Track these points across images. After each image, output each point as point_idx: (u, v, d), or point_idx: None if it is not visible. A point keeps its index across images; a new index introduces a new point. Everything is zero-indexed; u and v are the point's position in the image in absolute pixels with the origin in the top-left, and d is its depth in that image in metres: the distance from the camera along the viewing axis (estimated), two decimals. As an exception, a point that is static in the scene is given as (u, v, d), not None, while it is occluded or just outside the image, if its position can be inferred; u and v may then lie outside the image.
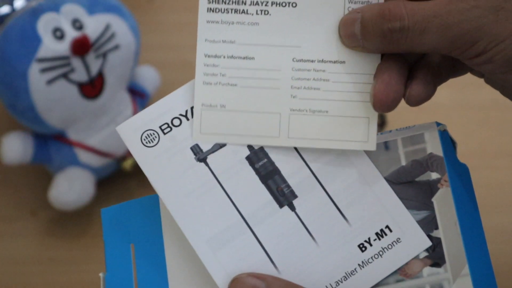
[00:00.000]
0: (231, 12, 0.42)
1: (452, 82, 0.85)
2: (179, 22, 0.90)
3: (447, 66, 0.44)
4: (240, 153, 0.42)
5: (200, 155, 0.42)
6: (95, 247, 0.72)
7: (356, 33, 0.40)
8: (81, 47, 0.67)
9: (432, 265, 0.42)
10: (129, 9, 0.73)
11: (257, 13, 0.42)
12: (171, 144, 0.42)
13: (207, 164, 0.42)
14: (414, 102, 0.41)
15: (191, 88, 0.43)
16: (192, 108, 0.43)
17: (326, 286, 0.41)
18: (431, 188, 0.42)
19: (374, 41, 0.40)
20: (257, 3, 0.42)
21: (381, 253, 0.42)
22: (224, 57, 0.42)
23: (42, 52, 0.66)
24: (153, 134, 0.43)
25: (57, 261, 0.71)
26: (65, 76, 0.68)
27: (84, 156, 0.72)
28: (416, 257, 0.42)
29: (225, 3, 0.42)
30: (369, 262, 0.42)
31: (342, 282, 0.41)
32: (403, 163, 0.43)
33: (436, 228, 0.42)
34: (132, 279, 0.43)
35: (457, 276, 0.41)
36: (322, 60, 0.42)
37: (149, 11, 0.90)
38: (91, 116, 0.71)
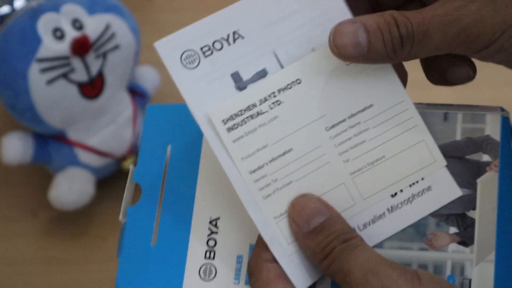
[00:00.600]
0: (249, 119, 0.41)
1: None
2: (179, 22, 0.89)
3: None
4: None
5: (241, 84, 0.41)
6: (95, 247, 0.72)
7: (361, 42, 0.39)
8: (81, 47, 0.67)
9: (460, 243, 0.41)
10: (129, 9, 0.73)
11: (271, 108, 0.41)
12: (211, 69, 0.41)
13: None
14: (456, 82, 0.42)
15: (233, 11, 0.41)
16: (234, 32, 0.41)
17: (353, 228, 0.41)
18: (479, 169, 0.42)
19: (381, 49, 0.39)
20: (266, 99, 0.41)
21: (411, 199, 0.41)
22: (266, 164, 0.41)
23: (42, 52, 0.66)
24: (194, 55, 0.41)
25: (57, 261, 0.71)
26: (65, 76, 0.68)
27: (84, 156, 0.72)
28: (446, 231, 0.41)
29: (238, 115, 0.41)
30: (398, 208, 0.41)
31: (369, 225, 0.41)
32: (458, 138, 0.42)
33: (474, 209, 0.41)
34: (161, 177, 0.43)
35: (481, 260, 0.41)
36: (351, 114, 0.41)
37: (149, 11, 0.90)
38: (91, 116, 0.71)
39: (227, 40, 0.41)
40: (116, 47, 0.70)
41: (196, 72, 0.41)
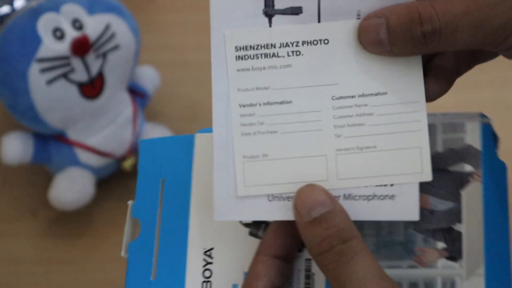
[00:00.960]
0: (261, 57, 0.40)
1: (452, 82, 0.85)
2: (179, 22, 0.90)
3: (468, 58, 0.43)
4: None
5: (270, 10, 0.39)
6: (95, 247, 0.72)
7: (382, 40, 0.38)
8: (81, 47, 0.67)
9: (448, 258, 0.41)
10: (129, 9, 0.73)
11: (288, 55, 0.40)
12: None
13: (270, 22, 0.40)
14: (429, 99, 0.41)
15: None
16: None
17: None
18: (462, 180, 0.41)
19: (404, 46, 0.38)
20: (287, 45, 0.40)
21: (370, 198, 0.40)
22: (260, 104, 0.40)
23: (42, 52, 0.66)
24: None
25: (57, 261, 0.71)
26: (65, 76, 0.68)
27: (84, 156, 0.72)
28: (434, 247, 0.41)
29: (253, 48, 0.40)
30: (354, 199, 0.40)
31: None
32: (439, 149, 0.41)
33: (459, 221, 0.41)
34: (157, 211, 0.43)
35: (471, 273, 0.40)
36: (363, 94, 0.40)
37: (149, 11, 0.90)
38: (91, 116, 0.71)
39: None
40: (116, 47, 0.70)
41: None
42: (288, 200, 0.40)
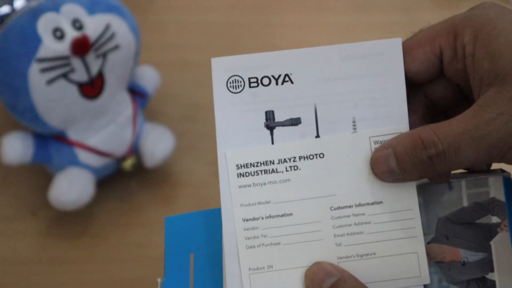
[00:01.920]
0: (261, 173, 0.42)
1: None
2: (179, 22, 0.90)
3: (451, 99, 0.44)
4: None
5: (271, 123, 0.42)
6: (95, 247, 0.72)
7: (393, 168, 0.41)
8: (81, 47, 0.67)
9: None
10: (129, 9, 0.73)
11: (286, 170, 0.42)
12: (251, 100, 0.42)
13: (271, 134, 0.42)
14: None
15: (296, 55, 0.43)
16: (286, 75, 0.42)
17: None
18: (491, 231, 0.43)
19: (414, 171, 0.40)
20: (285, 161, 0.42)
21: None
22: (262, 218, 0.42)
23: (42, 52, 0.66)
24: (240, 81, 0.43)
25: (57, 261, 0.71)
26: (65, 76, 0.68)
27: (84, 156, 0.72)
28: None
29: (253, 166, 0.42)
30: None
31: None
32: (465, 204, 0.43)
33: (492, 271, 0.43)
34: (189, 287, 0.43)
35: None
36: (360, 203, 0.42)
37: (149, 11, 0.90)
38: (91, 116, 0.71)
39: (277, 79, 0.43)
40: (116, 47, 0.70)
41: (236, 97, 0.42)
42: None
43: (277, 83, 0.43)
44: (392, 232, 0.42)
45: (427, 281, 0.42)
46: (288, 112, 0.42)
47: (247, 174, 0.42)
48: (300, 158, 0.42)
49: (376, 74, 0.42)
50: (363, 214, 0.42)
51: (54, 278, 0.70)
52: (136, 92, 0.76)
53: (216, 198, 0.74)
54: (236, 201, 0.42)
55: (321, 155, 0.42)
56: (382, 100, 0.42)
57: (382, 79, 0.42)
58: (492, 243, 0.43)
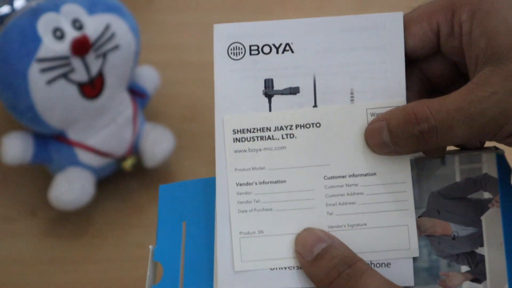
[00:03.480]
0: (258, 139, 0.42)
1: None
2: (179, 22, 0.90)
3: (448, 76, 0.44)
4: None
5: (269, 91, 0.43)
6: (95, 247, 0.72)
7: (386, 141, 0.41)
8: (81, 47, 0.67)
9: (473, 280, 0.42)
10: (129, 9, 0.73)
11: (282, 138, 0.42)
12: (251, 67, 0.43)
13: (269, 102, 0.43)
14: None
15: (298, 25, 0.43)
16: (287, 44, 0.43)
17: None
18: (482, 206, 0.43)
19: (406, 144, 0.40)
20: (281, 128, 0.42)
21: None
22: (256, 183, 0.42)
23: (42, 52, 0.66)
24: (241, 48, 0.43)
25: (57, 261, 0.71)
26: (65, 76, 0.68)
27: (84, 156, 0.72)
28: (458, 271, 0.42)
29: (250, 132, 0.42)
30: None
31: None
32: (458, 179, 0.43)
33: (482, 245, 0.43)
34: (180, 255, 0.44)
35: None
36: (353, 174, 0.42)
37: (149, 11, 0.90)
38: (91, 116, 0.71)
39: (277, 48, 0.43)
40: (116, 47, 0.70)
41: (236, 64, 0.43)
42: (289, 269, 0.42)
43: (277, 52, 0.43)
44: (384, 204, 0.42)
45: (416, 254, 0.42)
46: (287, 81, 0.43)
47: (243, 139, 0.42)
48: (296, 126, 0.42)
49: (376, 47, 0.42)
50: (356, 185, 0.42)
51: (54, 278, 0.70)
52: (136, 92, 0.76)
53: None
54: (231, 166, 0.42)
55: (318, 125, 0.42)
56: (381, 73, 0.42)
57: (382, 53, 0.42)
58: (483, 218, 0.43)
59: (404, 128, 0.40)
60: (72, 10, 0.68)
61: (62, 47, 0.67)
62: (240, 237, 0.42)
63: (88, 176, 0.72)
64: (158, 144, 0.74)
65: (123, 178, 0.77)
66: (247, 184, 0.42)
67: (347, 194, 0.42)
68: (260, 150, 0.42)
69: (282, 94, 0.43)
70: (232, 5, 0.92)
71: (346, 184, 0.42)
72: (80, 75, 0.68)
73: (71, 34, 0.67)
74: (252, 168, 0.42)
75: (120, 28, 0.70)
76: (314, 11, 0.92)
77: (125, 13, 0.72)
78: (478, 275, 0.42)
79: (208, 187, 0.44)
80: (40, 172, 0.76)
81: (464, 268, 0.43)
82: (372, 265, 0.42)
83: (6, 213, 0.75)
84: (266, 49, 0.43)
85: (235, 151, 0.42)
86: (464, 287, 0.42)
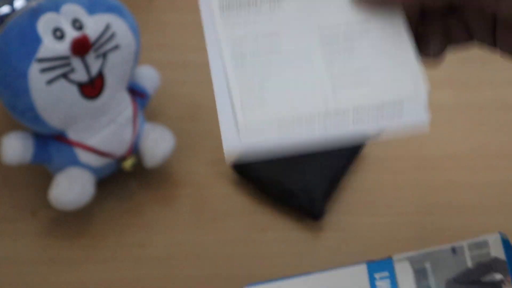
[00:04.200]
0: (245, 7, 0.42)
1: (452, 82, 0.85)
2: (179, 22, 0.90)
3: (455, 28, 0.45)
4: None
5: None
6: (95, 247, 0.72)
7: None
8: (81, 47, 0.67)
9: None
10: (129, 9, 0.73)
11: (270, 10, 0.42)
12: None
13: None
14: (425, 54, 0.43)
15: None
16: None
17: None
18: (496, 287, 0.46)
19: None
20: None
21: (380, 106, 0.42)
22: (249, 36, 0.42)
23: (42, 52, 0.66)
24: None
25: (57, 261, 0.71)
26: (65, 76, 0.68)
27: (84, 156, 0.72)
28: None
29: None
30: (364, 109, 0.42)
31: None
32: (469, 265, 0.46)
33: None
34: None
35: None
36: (348, 22, 0.42)
37: (149, 11, 0.90)
38: (91, 116, 0.71)
39: None
40: (116, 47, 0.70)
41: None
42: (293, 120, 0.41)
43: None
44: (383, 46, 0.42)
45: (425, 91, 0.42)
46: None
47: (232, 6, 0.42)
48: None
49: None
50: (352, 31, 0.42)
51: (54, 278, 0.70)
52: (136, 92, 0.76)
53: (217, 198, 0.74)
54: (221, 24, 0.42)
55: None
56: None
57: None
58: None
59: None
60: (72, 10, 0.68)
61: (62, 47, 0.67)
62: (241, 92, 0.41)
63: (88, 176, 0.72)
64: (158, 144, 0.74)
65: (123, 178, 0.77)
66: (241, 37, 0.42)
67: (345, 40, 0.42)
68: (249, 5, 0.42)
69: None
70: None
71: (343, 31, 0.42)
72: (80, 75, 0.68)
73: (71, 34, 0.67)
74: (244, 22, 0.42)
75: (120, 28, 0.70)
76: None
77: (125, 13, 0.72)
78: None
79: None
80: (40, 172, 0.76)
81: None
82: (385, 106, 0.41)
83: (6, 213, 0.75)
84: None
85: (223, 14, 0.42)
86: None
